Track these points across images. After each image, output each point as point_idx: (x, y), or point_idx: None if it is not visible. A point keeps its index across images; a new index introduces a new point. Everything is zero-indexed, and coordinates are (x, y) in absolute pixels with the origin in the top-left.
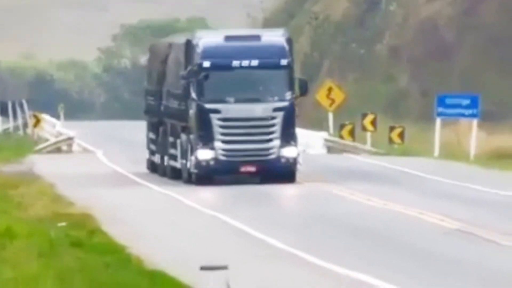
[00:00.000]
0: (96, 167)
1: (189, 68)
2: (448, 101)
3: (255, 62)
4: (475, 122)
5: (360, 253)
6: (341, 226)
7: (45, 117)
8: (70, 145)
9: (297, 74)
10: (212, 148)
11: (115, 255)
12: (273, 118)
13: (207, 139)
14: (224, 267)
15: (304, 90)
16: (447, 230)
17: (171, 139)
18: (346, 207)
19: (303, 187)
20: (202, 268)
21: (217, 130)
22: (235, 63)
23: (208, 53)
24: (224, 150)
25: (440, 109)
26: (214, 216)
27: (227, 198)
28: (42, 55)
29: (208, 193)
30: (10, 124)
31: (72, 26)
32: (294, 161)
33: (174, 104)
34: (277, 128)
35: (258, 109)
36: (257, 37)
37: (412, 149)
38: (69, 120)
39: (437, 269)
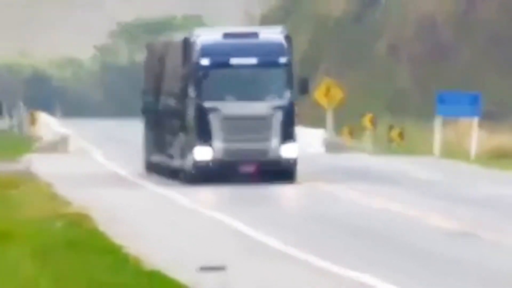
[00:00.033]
0: (93, 166)
1: (187, 66)
2: (449, 99)
3: (253, 60)
4: (475, 120)
5: (360, 253)
6: (341, 226)
7: (42, 115)
8: (66, 144)
9: (295, 72)
10: (211, 147)
11: (113, 255)
12: (272, 117)
13: (205, 138)
14: (222, 268)
15: (304, 89)
16: (447, 230)
17: (169, 138)
18: (346, 207)
19: (302, 187)
20: (201, 269)
21: (215, 129)
22: (234, 61)
23: (206, 51)
24: (223, 149)
25: (440, 108)
26: (212, 216)
27: (226, 198)
28: (39, 53)
29: (207, 193)
30: (6, 123)
31: (68, 23)
32: (294, 161)
33: (172, 103)
34: (276, 127)
35: (257, 108)
36: (256, 35)
37: (411, 148)
38: (66, 119)
39: (437, 269)
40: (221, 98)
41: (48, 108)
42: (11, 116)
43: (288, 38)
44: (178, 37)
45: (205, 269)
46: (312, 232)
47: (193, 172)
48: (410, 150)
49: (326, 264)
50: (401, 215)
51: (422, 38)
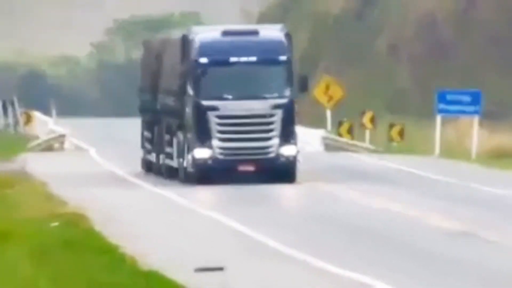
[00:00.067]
0: (89, 166)
1: (185, 64)
2: (449, 97)
3: (253, 58)
4: (476, 119)
5: (360, 253)
6: (341, 226)
7: (37, 114)
8: (62, 143)
9: (295, 70)
10: (210, 147)
11: (110, 256)
12: (272, 115)
13: (204, 137)
14: (220, 269)
15: (304, 86)
16: (447, 230)
17: (167, 137)
18: (346, 207)
19: (302, 187)
20: (196, 270)
21: (214, 128)
22: (233, 59)
23: (205, 49)
24: (222, 148)
25: (441, 106)
26: (211, 216)
27: (225, 197)
28: (34, 50)
29: (206, 193)
30: (1, 122)
31: (64, 20)
32: (294, 160)
33: (170, 101)
34: (276, 126)
35: (257, 106)
36: (255, 32)
37: (412, 147)
38: (62, 117)
39: (437, 269)
40: (220, 96)
41: (44, 107)
42: (6, 115)
43: (288, 35)
44: (176, 34)
45: (201, 270)
46: (312, 232)
47: (191, 171)
48: (410, 150)
49: (326, 264)
50: (401, 215)
51: (422, 37)
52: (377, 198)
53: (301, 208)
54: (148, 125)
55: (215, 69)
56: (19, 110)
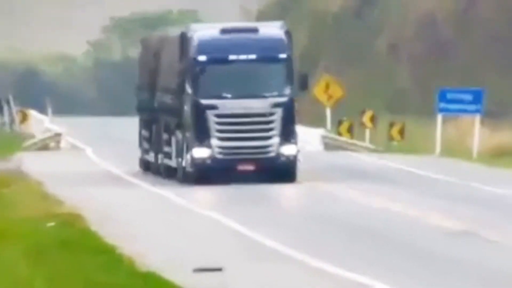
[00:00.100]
0: (86, 165)
1: (184, 62)
2: (450, 96)
3: (252, 56)
4: (477, 118)
5: (359, 253)
6: (340, 226)
7: (33, 113)
8: (58, 142)
9: (295, 68)
10: (209, 146)
11: (107, 256)
12: (272, 114)
13: (203, 136)
14: (219, 269)
15: (304, 85)
16: (447, 230)
17: (165, 136)
18: (345, 206)
19: (301, 186)
20: (194, 271)
21: (213, 127)
22: (232, 57)
23: (203, 47)
24: (221, 147)
25: (442, 105)
26: (210, 216)
27: (224, 197)
28: (30, 48)
29: (204, 193)
30: None
31: (61, 18)
32: (294, 159)
33: (168, 100)
34: (276, 125)
35: (257, 105)
36: (255, 30)
37: (412, 146)
38: (58, 116)
39: (437, 269)
40: (219, 95)
41: (40, 105)
42: (1, 114)
43: (288, 33)
44: (174, 32)
45: (199, 270)
46: (311, 232)
47: (190, 171)
48: (410, 149)
49: (325, 264)
50: (401, 214)
51: (422, 36)
52: (377, 197)
53: (300, 207)
54: (146, 124)
55: (214, 67)
56: (14, 109)
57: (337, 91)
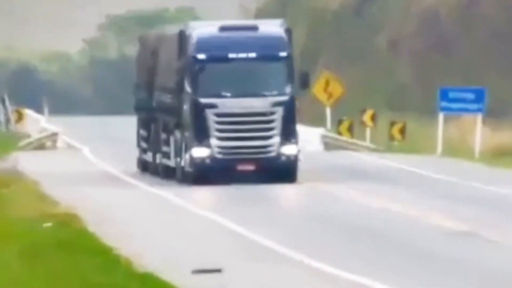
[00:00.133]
0: (83, 165)
1: (182, 60)
2: (452, 95)
3: (252, 54)
4: (479, 117)
5: (359, 253)
6: (340, 226)
7: (28, 112)
8: (54, 142)
9: (296, 66)
10: (208, 146)
11: (104, 257)
12: (272, 113)
13: (202, 136)
14: (218, 271)
15: (305, 83)
16: (448, 230)
17: (164, 136)
18: (346, 207)
19: (301, 186)
20: (193, 272)
21: (213, 126)
22: (232, 55)
23: (202, 45)
24: (220, 147)
25: (443, 104)
26: (209, 217)
27: (224, 198)
28: (25, 46)
29: (204, 193)
30: None
31: (56, 16)
32: (295, 159)
33: (167, 99)
34: (276, 124)
35: (257, 104)
36: (254, 28)
37: (413, 146)
38: (54, 115)
39: (438, 270)
40: (218, 93)
41: (36, 104)
42: None
43: (288, 31)
44: (172, 29)
45: (198, 272)
46: (311, 232)
47: (189, 171)
48: (411, 148)
49: (325, 265)
50: (401, 214)
51: (424, 33)
52: (377, 197)
53: (300, 208)
54: (144, 123)
55: (213, 65)
56: (10, 108)
57: (337, 89)
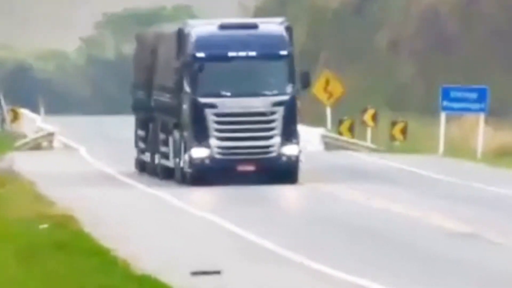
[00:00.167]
0: (79, 165)
1: (181, 59)
2: (454, 94)
3: (252, 53)
4: (482, 117)
5: (360, 255)
6: (341, 227)
7: (24, 112)
8: (51, 141)
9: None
10: (207, 146)
11: (101, 258)
12: (273, 113)
13: (201, 136)
14: (217, 272)
15: (306, 82)
16: (449, 231)
17: (162, 136)
18: (347, 207)
19: (302, 187)
20: (192, 274)
21: (212, 126)
22: (231, 53)
23: (202, 43)
24: (220, 147)
25: (445, 103)
26: (208, 218)
27: (223, 199)
28: (21, 45)
29: (203, 194)
30: None
31: (52, 14)
32: (296, 160)
33: (165, 98)
34: (277, 124)
35: (257, 104)
36: (254, 26)
37: (414, 146)
38: (50, 115)
39: (439, 271)
40: (218, 93)
41: (32, 104)
42: None
43: (289, 29)
44: (171, 27)
45: (197, 273)
46: (312, 234)
47: (188, 172)
48: (413, 148)
49: (325, 266)
50: (402, 215)
51: (424, 31)
52: (379, 198)
53: (300, 209)
54: (142, 123)
55: (213, 64)
56: (5, 107)
57: (337, 88)
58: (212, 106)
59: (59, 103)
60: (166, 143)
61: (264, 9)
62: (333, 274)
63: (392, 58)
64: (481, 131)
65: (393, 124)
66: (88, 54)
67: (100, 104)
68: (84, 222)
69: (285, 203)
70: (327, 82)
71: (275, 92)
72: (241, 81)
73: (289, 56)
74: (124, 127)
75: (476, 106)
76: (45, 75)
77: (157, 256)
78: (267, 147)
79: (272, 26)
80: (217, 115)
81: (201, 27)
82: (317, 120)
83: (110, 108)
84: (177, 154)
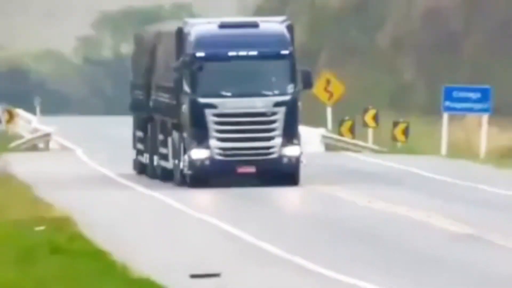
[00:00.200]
0: (76, 167)
1: (181, 59)
2: (456, 94)
3: (253, 52)
4: (485, 117)
5: (361, 257)
6: (342, 230)
7: (20, 112)
8: (47, 142)
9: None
10: (207, 147)
11: (98, 261)
12: (274, 113)
13: (201, 137)
14: (216, 275)
15: (308, 82)
16: (452, 233)
17: (161, 137)
18: (348, 210)
19: (303, 189)
20: (191, 277)
21: (212, 127)
22: (232, 53)
23: (201, 42)
24: (220, 148)
25: (448, 103)
26: (208, 220)
27: (223, 201)
28: (16, 44)
29: (203, 196)
30: None
31: (47, 12)
32: (297, 161)
33: (164, 98)
34: (278, 125)
35: (258, 104)
36: (255, 25)
37: (417, 146)
38: (46, 115)
39: (443, 274)
40: (218, 93)
41: (27, 104)
42: None
43: (290, 28)
44: (170, 27)
45: (197, 276)
46: (313, 236)
47: (188, 173)
48: (415, 149)
49: (326, 269)
50: (406, 218)
51: (427, 29)
52: (381, 200)
53: (301, 211)
54: (140, 124)
55: (213, 64)
56: (0, 108)
57: (338, 88)
58: (212, 106)
59: (56, 103)
60: (165, 144)
61: (264, 7)
62: (334, 276)
63: (394, 57)
64: (484, 132)
65: (395, 124)
66: (85, 54)
67: (97, 105)
68: (81, 224)
69: (285, 205)
70: (328, 82)
71: (276, 92)
72: (242, 81)
73: (291, 56)
74: (121, 127)
75: (479, 106)
76: (41, 75)
77: (155, 259)
78: (268, 148)
79: (273, 25)
80: (217, 115)
81: (201, 26)
82: (317, 121)
83: (108, 108)
84: (176, 155)
